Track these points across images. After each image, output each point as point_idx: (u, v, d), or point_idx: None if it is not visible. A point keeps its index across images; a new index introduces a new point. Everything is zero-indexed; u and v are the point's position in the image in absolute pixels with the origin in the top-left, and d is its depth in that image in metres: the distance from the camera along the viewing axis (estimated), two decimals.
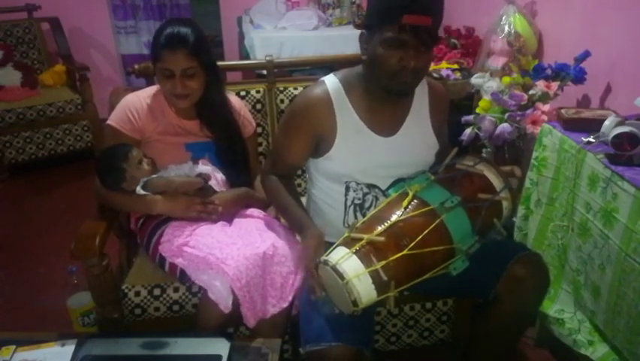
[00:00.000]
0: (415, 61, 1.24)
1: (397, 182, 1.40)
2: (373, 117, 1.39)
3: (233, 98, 1.76)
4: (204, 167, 1.61)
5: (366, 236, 1.15)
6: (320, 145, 1.41)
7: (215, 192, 1.58)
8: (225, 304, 1.35)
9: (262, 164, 1.82)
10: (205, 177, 1.56)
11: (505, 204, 1.32)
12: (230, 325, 1.44)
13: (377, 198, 1.42)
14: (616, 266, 1.35)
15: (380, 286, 1.12)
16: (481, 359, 1.48)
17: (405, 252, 1.14)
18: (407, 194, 1.26)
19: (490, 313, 1.38)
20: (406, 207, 1.22)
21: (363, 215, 1.42)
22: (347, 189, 1.42)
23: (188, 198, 1.53)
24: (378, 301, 1.15)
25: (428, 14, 1.20)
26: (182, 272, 1.48)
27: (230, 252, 1.38)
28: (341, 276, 1.10)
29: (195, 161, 1.62)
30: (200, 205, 1.52)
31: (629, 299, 1.33)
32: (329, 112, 1.37)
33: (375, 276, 1.12)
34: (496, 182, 1.32)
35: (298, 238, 1.52)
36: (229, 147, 1.67)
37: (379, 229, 1.18)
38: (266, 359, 1.25)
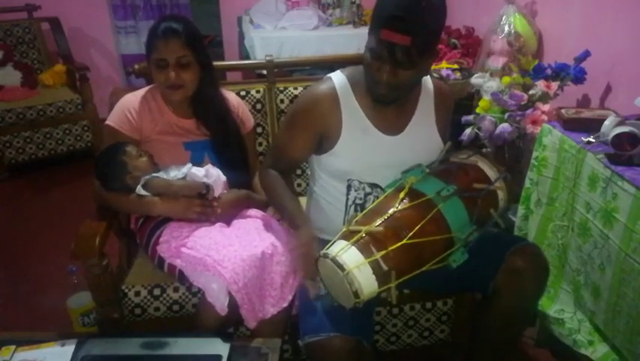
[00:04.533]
0: (389, 76, 1.24)
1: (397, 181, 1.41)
2: (379, 116, 1.39)
3: (230, 96, 1.76)
4: (212, 170, 1.59)
5: (364, 228, 1.16)
6: (324, 142, 1.41)
7: (216, 199, 1.57)
8: (221, 307, 1.35)
9: (261, 162, 1.82)
10: (209, 187, 1.54)
11: (500, 194, 1.33)
12: (230, 325, 1.44)
13: (378, 198, 1.41)
14: (616, 266, 1.35)
15: (381, 276, 1.12)
16: (482, 358, 1.48)
17: (404, 241, 1.15)
18: (403, 187, 1.27)
19: (489, 308, 1.38)
20: (402, 199, 1.23)
21: None
22: (349, 187, 1.42)
23: (187, 200, 1.53)
24: (380, 296, 1.15)
25: (408, 34, 1.16)
26: (181, 273, 1.48)
27: (227, 253, 1.38)
28: (341, 267, 1.10)
29: (200, 164, 1.61)
30: (198, 207, 1.53)
31: (629, 299, 1.33)
32: (335, 109, 1.38)
33: (375, 266, 1.12)
34: (490, 172, 1.33)
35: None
36: (226, 144, 1.67)
37: (377, 220, 1.19)
38: (266, 359, 1.25)
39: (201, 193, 1.53)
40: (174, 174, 1.55)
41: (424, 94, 1.43)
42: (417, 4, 1.17)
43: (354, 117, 1.38)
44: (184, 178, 1.55)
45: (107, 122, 1.64)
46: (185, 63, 1.55)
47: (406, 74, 1.25)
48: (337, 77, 1.41)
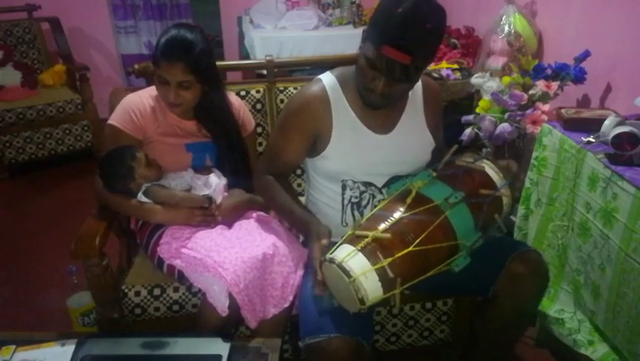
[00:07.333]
0: (384, 87, 1.26)
1: (393, 180, 1.41)
2: (369, 115, 1.39)
3: (232, 97, 1.76)
4: (212, 178, 1.59)
5: (371, 233, 1.15)
6: (316, 143, 1.42)
7: (218, 207, 1.57)
8: (222, 308, 1.35)
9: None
10: (211, 200, 1.54)
11: (505, 200, 1.33)
12: (230, 325, 1.44)
13: (374, 197, 1.42)
14: (616, 266, 1.35)
15: (386, 283, 1.12)
16: (481, 359, 1.48)
17: (411, 248, 1.14)
18: (410, 191, 1.26)
19: (489, 311, 1.38)
20: (409, 204, 1.22)
21: (361, 213, 1.42)
22: (344, 187, 1.43)
23: (189, 209, 1.53)
24: (384, 300, 1.14)
25: (409, 53, 1.17)
26: (180, 273, 1.48)
27: (229, 255, 1.38)
28: (347, 274, 1.10)
29: (203, 171, 1.62)
30: (199, 217, 1.53)
31: (629, 299, 1.33)
32: (325, 110, 1.38)
33: (381, 273, 1.11)
34: (497, 178, 1.33)
35: (301, 237, 1.52)
36: (228, 146, 1.67)
37: (384, 226, 1.18)
38: (266, 359, 1.25)
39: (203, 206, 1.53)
40: (175, 183, 1.55)
41: (412, 92, 1.43)
42: (423, 26, 1.18)
43: (344, 117, 1.39)
44: (188, 190, 1.55)
45: (110, 121, 1.62)
46: (186, 86, 1.53)
47: (400, 87, 1.28)
48: (327, 78, 1.42)
